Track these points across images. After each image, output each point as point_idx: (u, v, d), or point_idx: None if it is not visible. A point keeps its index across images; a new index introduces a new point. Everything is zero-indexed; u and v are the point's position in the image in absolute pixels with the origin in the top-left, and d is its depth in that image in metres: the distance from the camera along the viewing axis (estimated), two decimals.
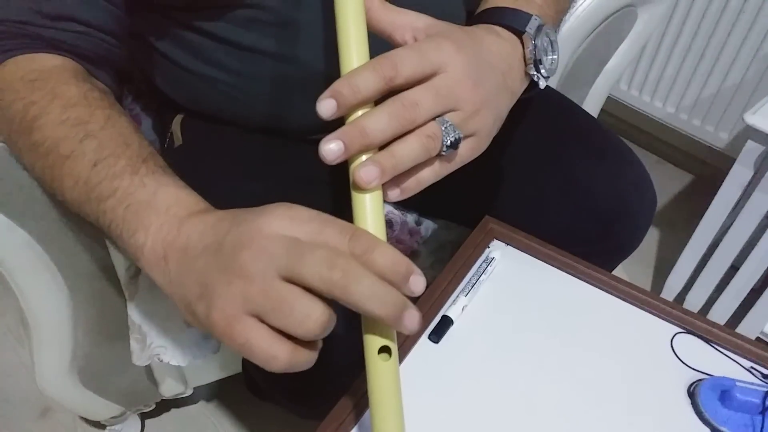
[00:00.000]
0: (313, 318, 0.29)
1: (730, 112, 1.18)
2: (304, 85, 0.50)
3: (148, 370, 0.72)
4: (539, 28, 0.41)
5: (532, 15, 0.41)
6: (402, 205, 0.65)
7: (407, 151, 0.33)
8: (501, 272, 0.53)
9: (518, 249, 0.55)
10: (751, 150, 0.81)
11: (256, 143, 0.56)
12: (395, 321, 0.30)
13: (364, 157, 0.33)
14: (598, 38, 0.73)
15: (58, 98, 0.39)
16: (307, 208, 0.31)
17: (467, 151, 0.37)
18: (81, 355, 0.62)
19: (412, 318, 0.30)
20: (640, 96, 1.30)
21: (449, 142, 0.35)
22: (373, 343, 0.32)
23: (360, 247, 0.29)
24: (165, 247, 0.33)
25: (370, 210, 0.32)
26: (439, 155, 0.35)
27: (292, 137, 0.56)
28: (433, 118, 0.34)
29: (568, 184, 0.57)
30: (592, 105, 0.85)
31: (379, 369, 0.32)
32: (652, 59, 1.23)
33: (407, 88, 0.34)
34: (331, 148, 0.31)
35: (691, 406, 0.45)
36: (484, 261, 0.53)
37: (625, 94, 1.31)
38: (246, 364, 0.59)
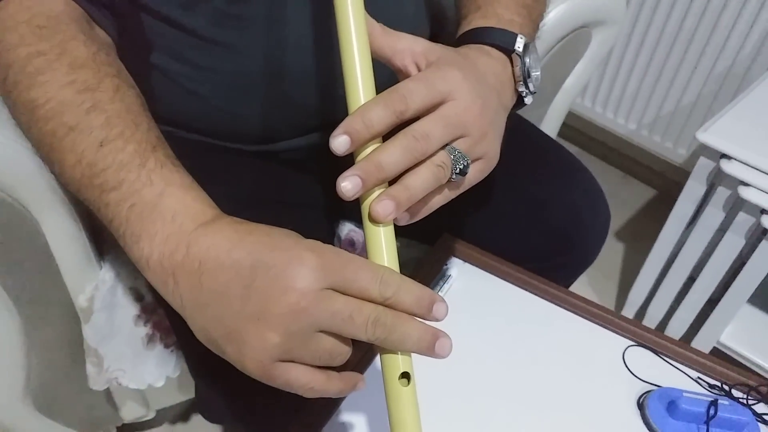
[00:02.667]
0: (344, 355, 0.32)
1: (687, 129, 1.22)
2: (264, 82, 0.49)
3: (108, 393, 0.70)
4: (526, 47, 0.43)
5: (517, 34, 0.43)
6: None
7: (419, 182, 0.34)
8: (458, 289, 0.54)
9: (475, 266, 0.56)
10: (704, 166, 0.84)
11: (216, 156, 0.54)
12: (428, 353, 0.32)
13: (376, 192, 0.34)
14: (554, 58, 0.75)
15: (66, 55, 0.37)
16: (333, 249, 0.32)
17: (476, 174, 0.38)
18: (35, 381, 0.60)
19: (443, 347, 0.32)
20: (603, 112, 1.33)
21: (458, 169, 0.36)
22: (392, 370, 0.33)
23: (389, 291, 0.31)
24: (173, 267, 0.33)
25: (385, 243, 0.34)
26: (449, 181, 0.36)
27: (248, 142, 0.54)
28: (443, 147, 0.35)
29: (522, 200, 0.59)
30: (552, 122, 0.87)
31: (400, 394, 0.33)
32: (614, 77, 1.27)
33: (416, 118, 0.35)
34: (349, 184, 0.32)
35: (640, 417, 0.46)
36: (441, 278, 0.53)
37: (590, 110, 1.35)
38: (198, 386, 0.58)
